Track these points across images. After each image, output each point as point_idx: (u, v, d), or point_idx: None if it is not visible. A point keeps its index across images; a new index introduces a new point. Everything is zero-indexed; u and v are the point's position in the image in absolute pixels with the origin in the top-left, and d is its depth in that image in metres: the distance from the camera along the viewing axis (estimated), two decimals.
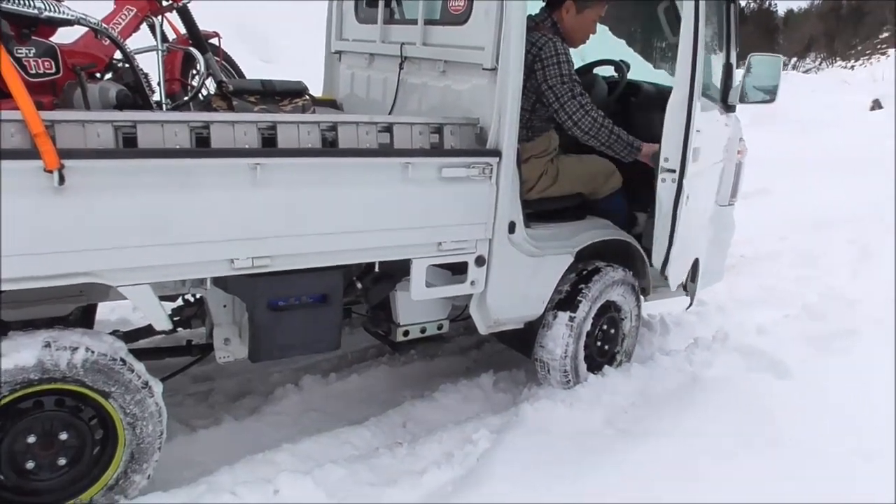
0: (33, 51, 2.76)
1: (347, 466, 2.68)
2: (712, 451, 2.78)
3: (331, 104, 3.77)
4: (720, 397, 3.19)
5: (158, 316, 2.42)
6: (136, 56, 3.16)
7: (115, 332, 2.62)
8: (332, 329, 2.77)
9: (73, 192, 2.09)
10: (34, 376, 2.20)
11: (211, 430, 2.98)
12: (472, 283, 2.93)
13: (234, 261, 2.41)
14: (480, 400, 3.36)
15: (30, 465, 2.29)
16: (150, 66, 3.40)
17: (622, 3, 5.48)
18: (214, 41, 4.23)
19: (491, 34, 2.81)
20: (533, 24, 3.18)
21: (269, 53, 8.94)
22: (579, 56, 3.52)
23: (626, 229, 3.54)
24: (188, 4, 3.93)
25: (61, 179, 2.04)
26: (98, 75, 3.21)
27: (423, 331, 3.17)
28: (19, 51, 2.71)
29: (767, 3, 35.26)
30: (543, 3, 3.31)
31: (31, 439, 2.29)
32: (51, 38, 2.93)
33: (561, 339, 3.22)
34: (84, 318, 2.81)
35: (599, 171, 3.50)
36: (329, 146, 2.59)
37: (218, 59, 4.07)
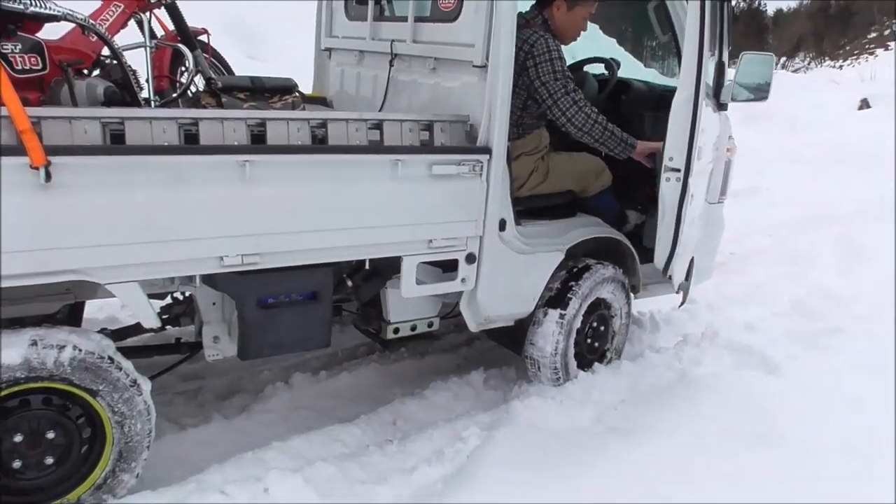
0: (19, 46, 2.74)
1: (338, 464, 2.67)
2: (701, 448, 2.79)
3: (321, 101, 3.76)
4: (709, 394, 3.20)
5: (147, 314, 2.41)
6: (124, 52, 3.14)
7: (103, 331, 2.60)
8: (322, 327, 2.76)
9: (60, 189, 2.08)
10: (21, 375, 2.18)
11: (200, 428, 2.96)
12: (463, 280, 2.93)
13: (223, 258, 2.40)
14: (471, 397, 3.36)
15: (16, 464, 2.27)
16: (139, 62, 3.39)
17: (612, 2, 5.48)
18: (203, 38, 4.21)
19: (481, 31, 2.81)
20: (524, 21, 3.18)
21: (259, 51, 8.90)
22: (569, 54, 3.52)
23: (617, 227, 3.55)
24: (176, 1, 3.91)
25: (48, 176, 2.03)
26: (85, 72, 3.19)
27: (413, 328, 3.16)
28: (5, 46, 2.70)
29: (757, 2, 35.42)
30: (534, 1, 3.31)
31: (18, 438, 2.26)
32: (37, 34, 2.91)
33: (551, 337, 3.22)
34: (72, 316, 2.79)
35: (590, 168, 3.51)
36: (319, 143, 2.58)
37: (207, 55, 4.06)
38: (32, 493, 2.32)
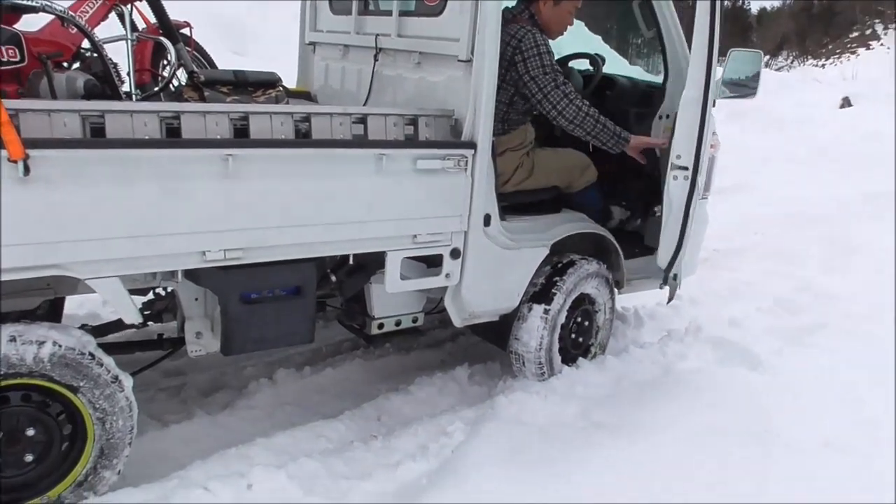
0: None
1: (322, 460, 2.66)
2: (684, 442, 2.81)
3: (305, 96, 3.73)
4: (693, 389, 3.22)
5: (128, 309, 2.38)
6: (105, 45, 3.10)
7: (84, 327, 2.57)
8: (306, 322, 2.74)
9: (39, 182, 2.05)
10: None
11: (183, 424, 2.94)
12: (448, 275, 2.92)
13: (205, 253, 2.38)
14: (456, 393, 3.36)
15: None
16: (120, 55, 3.35)
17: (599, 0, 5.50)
18: (185, 31, 4.17)
19: (466, 25, 2.80)
20: (511, 16, 3.18)
21: (242, 45, 8.84)
22: (554, 50, 3.52)
23: (601, 223, 3.55)
24: None
25: (26, 170, 2.00)
26: (65, 64, 3.15)
27: (398, 324, 3.15)
28: None
29: (741, 1, 35.69)
30: None
31: None
32: (15, 26, 2.86)
33: (536, 332, 3.22)
34: (52, 311, 2.76)
35: (575, 164, 3.51)
36: (302, 137, 2.56)
37: (189, 49, 4.02)
38: (12, 490, 2.29)
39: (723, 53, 3.41)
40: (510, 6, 3.25)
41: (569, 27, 3.41)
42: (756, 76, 3.45)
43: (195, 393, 3.25)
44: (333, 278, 2.90)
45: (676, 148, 3.10)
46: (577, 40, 4.03)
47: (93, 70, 3.02)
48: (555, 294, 3.23)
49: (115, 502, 2.36)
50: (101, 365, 2.33)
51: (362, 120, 2.68)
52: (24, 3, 2.71)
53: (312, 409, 3.16)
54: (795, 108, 11.06)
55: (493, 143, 2.89)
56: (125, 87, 3.25)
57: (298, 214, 2.50)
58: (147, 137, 2.28)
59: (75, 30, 3.03)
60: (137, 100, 3.26)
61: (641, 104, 3.76)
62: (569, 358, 3.42)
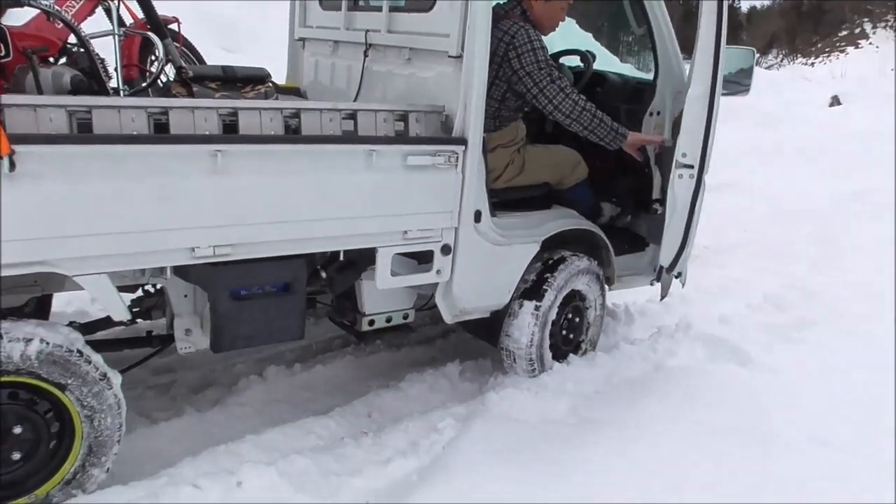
0: None
1: (312, 457, 2.65)
2: (674, 439, 2.81)
3: (294, 92, 3.72)
4: (683, 385, 3.23)
5: (117, 306, 2.37)
6: (92, 40, 3.07)
7: (72, 324, 2.55)
8: (296, 318, 2.73)
9: (26, 178, 2.03)
10: None
11: (173, 422, 2.92)
12: (438, 271, 2.92)
13: (194, 249, 2.36)
14: (447, 389, 3.36)
15: None
16: (107, 51, 3.32)
17: None
18: (174, 26, 4.14)
19: (456, 21, 2.79)
20: (503, 12, 3.17)
21: (231, 42, 8.78)
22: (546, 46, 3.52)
23: (592, 219, 3.56)
24: None
25: (12, 166, 1.98)
26: (52, 60, 3.12)
27: (388, 320, 3.15)
28: None
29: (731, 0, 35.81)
30: None
31: None
32: None
33: (526, 328, 3.22)
34: (39, 309, 2.74)
35: (566, 160, 3.51)
36: (292, 133, 2.55)
37: (177, 44, 3.99)
38: None
39: None
40: (502, 2, 3.25)
41: (560, 23, 3.40)
42: (749, 73, 3.46)
43: (185, 390, 3.23)
44: (324, 275, 2.88)
45: (682, 146, 3.09)
46: (568, 38, 4.03)
47: (79, 65, 2.99)
48: (546, 291, 3.23)
49: (104, 500, 2.35)
50: (90, 362, 2.31)
51: (352, 116, 2.67)
52: None
53: (303, 405, 3.15)
54: (785, 106, 11.12)
55: (484, 140, 2.88)
56: (113, 83, 3.22)
57: (288, 211, 2.49)
58: (135, 133, 2.26)
59: (61, 25, 3.00)
60: (125, 95, 3.23)
61: (632, 101, 3.76)
62: (559, 354, 3.42)
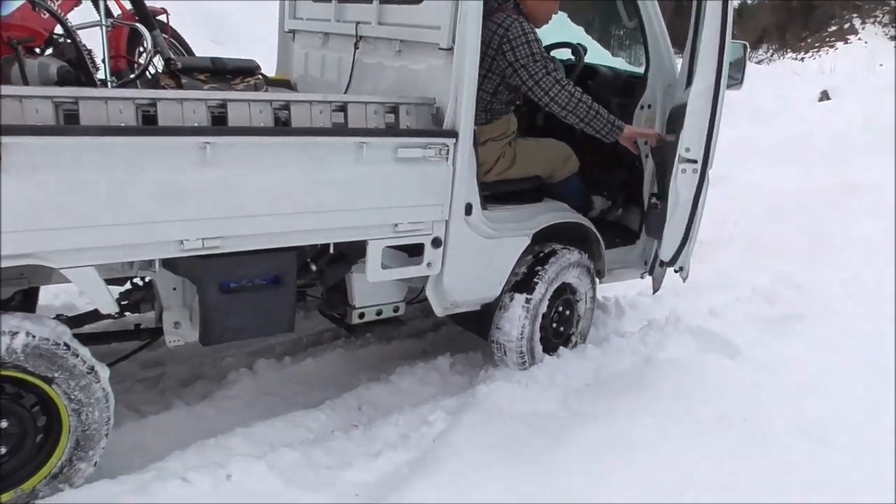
0: None
1: (302, 450, 2.65)
2: (663, 431, 2.83)
3: (284, 84, 3.69)
4: (672, 378, 3.24)
5: (104, 300, 2.35)
6: (79, 31, 3.04)
7: (59, 317, 2.53)
8: (286, 311, 2.72)
9: (12, 170, 2.01)
10: None
11: (161, 415, 2.91)
12: (429, 264, 2.91)
13: (183, 242, 2.34)
14: (437, 382, 3.36)
15: None
16: (95, 42, 3.29)
17: None
18: (162, 17, 4.10)
19: (447, 13, 2.77)
20: (496, 5, 3.16)
21: (221, 35, 8.71)
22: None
23: (583, 212, 3.56)
24: None
25: None
26: (38, 50, 3.08)
27: (379, 313, 3.14)
28: None
29: None
30: None
31: None
32: None
33: (517, 321, 3.22)
34: (25, 302, 2.71)
35: (557, 154, 3.51)
36: (282, 125, 2.53)
37: (166, 36, 3.94)
38: None
39: None
40: None
41: (553, 16, 3.39)
42: (741, 67, 3.46)
43: (173, 383, 3.21)
44: (314, 267, 2.87)
45: (685, 140, 3.08)
46: (559, 31, 4.02)
47: (66, 56, 2.95)
48: (536, 283, 3.24)
49: (92, 495, 2.33)
50: (77, 355, 2.29)
51: (342, 108, 2.65)
52: None
53: (293, 399, 3.14)
54: (775, 100, 11.15)
55: (475, 133, 2.87)
56: (100, 74, 3.19)
57: (277, 203, 2.48)
58: (122, 125, 2.24)
59: (48, 15, 2.96)
60: (113, 87, 3.20)
61: (623, 94, 3.76)
62: (550, 347, 3.42)
